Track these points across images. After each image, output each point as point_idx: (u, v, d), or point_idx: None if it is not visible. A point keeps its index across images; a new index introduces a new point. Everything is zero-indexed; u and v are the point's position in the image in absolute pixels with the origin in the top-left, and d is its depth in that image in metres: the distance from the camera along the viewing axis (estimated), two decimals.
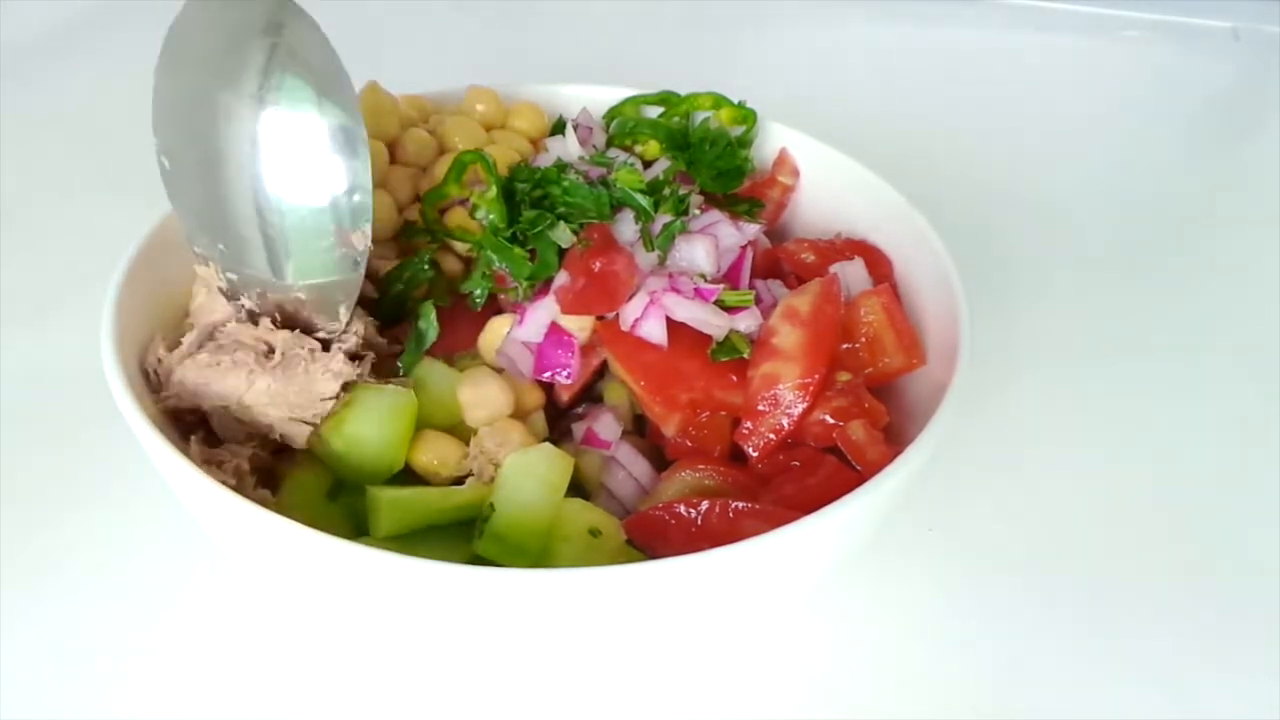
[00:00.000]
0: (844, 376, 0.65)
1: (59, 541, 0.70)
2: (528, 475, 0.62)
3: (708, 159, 0.80)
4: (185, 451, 0.57)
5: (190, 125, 0.60)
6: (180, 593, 0.67)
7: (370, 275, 0.72)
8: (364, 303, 0.69)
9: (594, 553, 0.60)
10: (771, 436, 0.63)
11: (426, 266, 0.71)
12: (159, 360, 0.64)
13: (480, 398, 0.65)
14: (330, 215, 0.61)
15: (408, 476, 0.65)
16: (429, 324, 0.68)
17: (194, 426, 0.63)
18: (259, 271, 0.62)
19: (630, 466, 0.66)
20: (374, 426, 0.62)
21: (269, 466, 0.64)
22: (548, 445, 0.64)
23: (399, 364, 0.68)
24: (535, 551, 0.61)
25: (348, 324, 0.64)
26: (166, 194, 0.63)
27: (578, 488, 0.66)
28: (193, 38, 0.60)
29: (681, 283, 0.66)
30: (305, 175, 0.60)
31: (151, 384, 0.64)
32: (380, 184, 0.75)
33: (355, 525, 0.63)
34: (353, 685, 0.63)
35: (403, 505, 0.61)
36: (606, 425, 0.67)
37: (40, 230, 0.98)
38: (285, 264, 0.62)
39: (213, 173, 0.60)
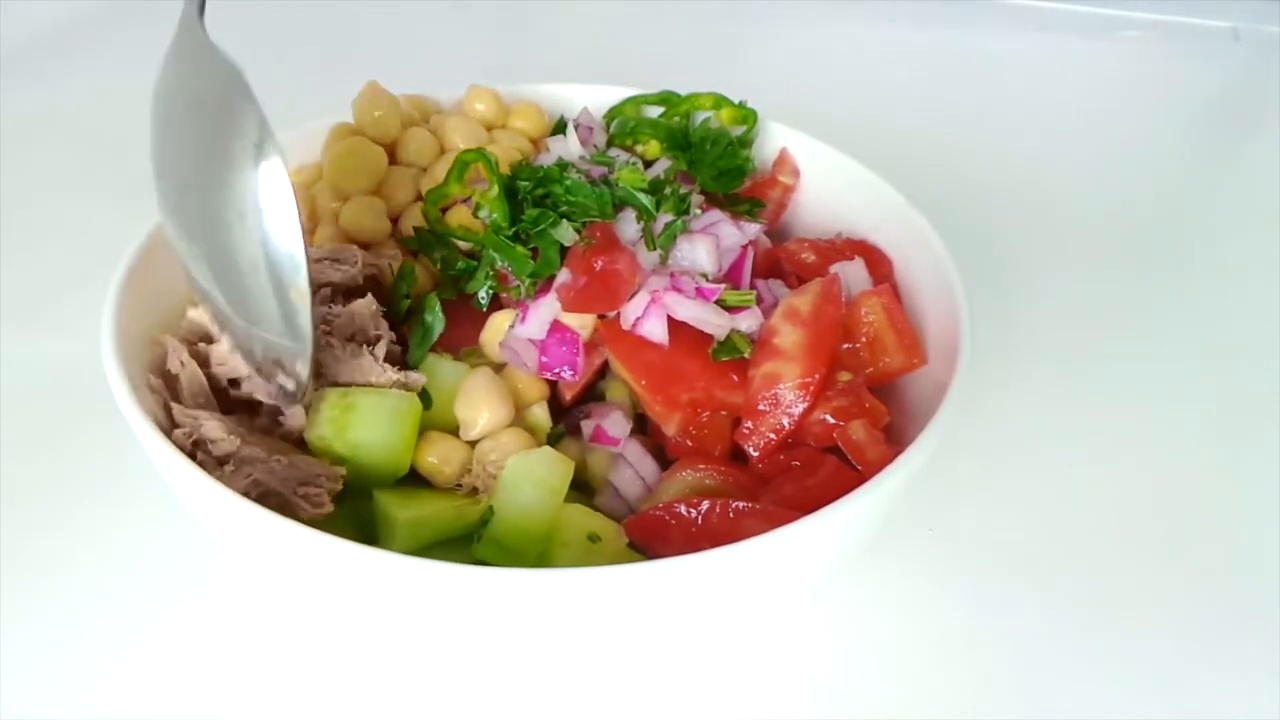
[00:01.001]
0: (844, 376, 0.65)
1: (59, 541, 0.70)
2: (527, 478, 0.62)
3: (709, 159, 0.80)
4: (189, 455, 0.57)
5: (192, 172, 0.60)
6: (180, 592, 0.67)
7: (376, 284, 0.72)
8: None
9: (593, 558, 0.60)
10: (772, 436, 0.63)
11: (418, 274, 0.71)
12: (181, 364, 0.64)
13: (473, 417, 0.65)
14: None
15: (410, 475, 0.65)
16: (435, 317, 0.68)
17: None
18: (262, 321, 0.60)
19: (638, 465, 0.66)
20: (377, 431, 0.62)
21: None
22: (548, 449, 0.64)
23: (407, 359, 0.68)
24: (534, 556, 0.61)
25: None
26: (171, 241, 0.62)
27: (583, 485, 0.67)
28: (181, 90, 0.60)
29: (683, 282, 0.66)
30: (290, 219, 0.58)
31: (154, 387, 0.63)
32: (375, 190, 0.75)
33: (359, 527, 0.63)
34: (353, 685, 0.63)
35: (418, 524, 0.61)
36: (615, 423, 0.67)
37: (40, 230, 0.98)
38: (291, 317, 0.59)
39: (217, 223, 0.59)
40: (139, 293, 0.66)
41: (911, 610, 0.69)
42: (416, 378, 0.65)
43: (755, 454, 0.64)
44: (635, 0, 1.45)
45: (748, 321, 0.66)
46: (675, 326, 0.65)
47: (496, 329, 0.68)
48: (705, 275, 0.68)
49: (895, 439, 0.64)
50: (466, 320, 0.69)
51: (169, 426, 0.61)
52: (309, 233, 0.75)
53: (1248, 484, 0.79)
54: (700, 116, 0.85)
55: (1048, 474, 0.79)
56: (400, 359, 0.68)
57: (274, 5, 1.32)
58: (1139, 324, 0.94)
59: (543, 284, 0.68)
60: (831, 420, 0.63)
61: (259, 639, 0.65)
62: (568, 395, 0.69)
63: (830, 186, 0.83)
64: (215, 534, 0.61)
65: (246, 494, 0.56)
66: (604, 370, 0.70)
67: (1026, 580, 0.71)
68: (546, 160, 0.76)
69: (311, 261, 0.69)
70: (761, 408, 0.63)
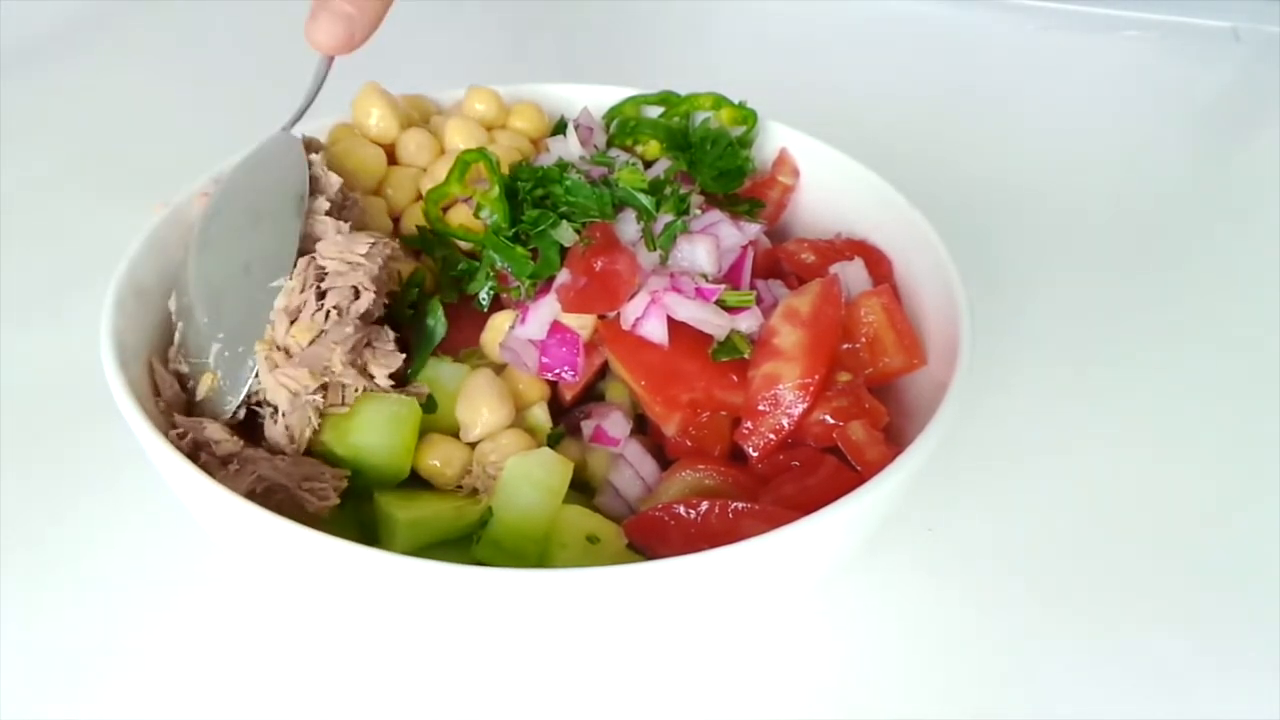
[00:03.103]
0: (844, 377, 0.65)
1: (58, 541, 0.70)
2: (525, 480, 0.62)
3: (708, 159, 0.80)
4: (191, 456, 0.57)
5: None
6: (180, 593, 0.67)
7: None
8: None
9: (592, 559, 0.60)
10: (772, 436, 0.63)
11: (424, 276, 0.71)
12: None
13: (473, 419, 0.65)
14: None
15: (411, 476, 0.65)
16: (437, 320, 0.68)
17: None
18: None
19: (638, 465, 0.66)
20: (378, 435, 0.62)
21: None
22: (547, 450, 0.64)
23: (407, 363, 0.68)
24: (533, 557, 0.61)
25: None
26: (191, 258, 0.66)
27: (583, 485, 0.66)
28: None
29: (683, 282, 0.66)
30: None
31: (153, 387, 0.63)
32: (375, 190, 0.75)
33: (360, 529, 0.63)
34: (353, 685, 0.63)
35: (418, 525, 0.61)
36: (615, 423, 0.67)
37: (40, 230, 0.98)
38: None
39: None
40: (139, 292, 0.66)
41: (911, 610, 0.69)
42: (418, 390, 0.65)
43: (755, 454, 0.64)
44: (636, 1, 1.45)
45: (748, 322, 0.66)
46: (675, 327, 0.65)
47: (497, 330, 0.68)
48: (705, 275, 0.68)
49: (895, 439, 0.64)
50: (467, 321, 0.69)
51: (169, 427, 0.61)
52: None
53: (1248, 484, 0.79)
54: (700, 116, 0.85)
55: (1048, 474, 0.79)
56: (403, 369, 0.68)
57: (275, 5, 1.31)
58: (1139, 324, 0.94)
59: (543, 284, 0.68)
60: (831, 420, 0.63)
61: (259, 639, 0.65)
62: (568, 395, 0.69)
63: (830, 186, 0.83)
64: (215, 534, 0.61)
65: (252, 490, 0.56)
66: (604, 370, 0.70)
67: (1026, 580, 0.71)
68: (546, 160, 0.76)
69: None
70: (761, 408, 0.63)
